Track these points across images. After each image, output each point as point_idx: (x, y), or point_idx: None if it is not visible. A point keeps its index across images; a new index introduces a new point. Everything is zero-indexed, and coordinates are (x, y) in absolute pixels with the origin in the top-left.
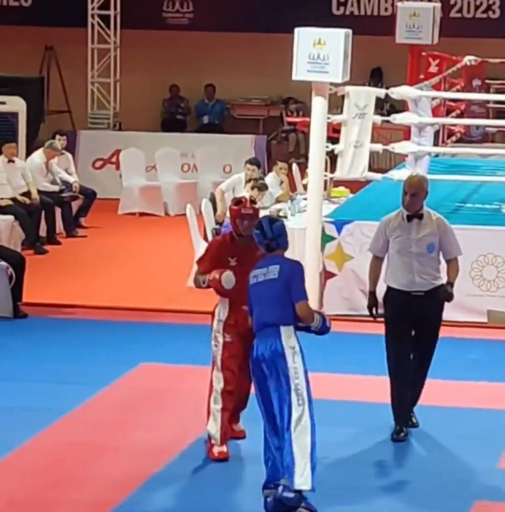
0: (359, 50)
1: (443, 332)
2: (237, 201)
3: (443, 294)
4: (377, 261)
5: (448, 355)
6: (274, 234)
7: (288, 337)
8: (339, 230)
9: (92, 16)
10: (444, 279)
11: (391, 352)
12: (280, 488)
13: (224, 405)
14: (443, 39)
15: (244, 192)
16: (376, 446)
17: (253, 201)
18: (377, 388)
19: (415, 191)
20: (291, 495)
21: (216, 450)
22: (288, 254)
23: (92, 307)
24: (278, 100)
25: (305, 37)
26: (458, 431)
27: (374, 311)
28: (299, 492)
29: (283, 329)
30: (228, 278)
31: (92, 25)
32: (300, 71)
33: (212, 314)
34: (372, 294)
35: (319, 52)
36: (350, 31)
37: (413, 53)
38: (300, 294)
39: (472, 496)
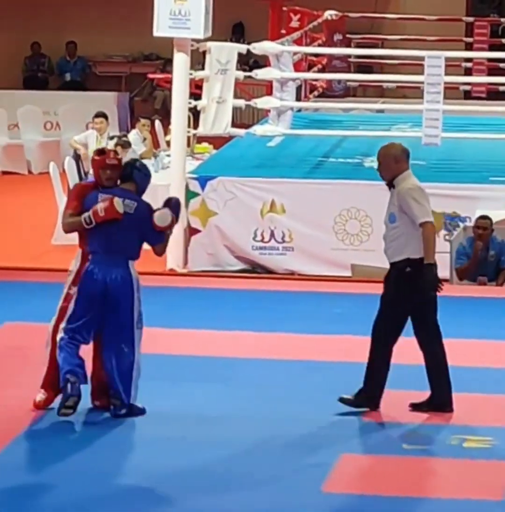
0: (220, 6)
1: (309, 286)
2: (100, 151)
3: (425, 284)
4: None
5: (313, 309)
6: (133, 163)
7: (133, 269)
8: (202, 186)
9: None
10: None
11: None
12: (112, 408)
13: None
14: None
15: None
16: (242, 402)
17: (116, 152)
18: (242, 343)
19: (378, 159)
20: (124, 411)
21: (38, 397)
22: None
23: None
24: (140, 57)
25: None
26: (322, 385)
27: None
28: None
29: (129, 262)
30: (119, 202)
31: None
32: (161, 28)
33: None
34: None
35: (180, 8)
36: None
37: (274, 8)
38: (157, 238)
39: (338, 449)
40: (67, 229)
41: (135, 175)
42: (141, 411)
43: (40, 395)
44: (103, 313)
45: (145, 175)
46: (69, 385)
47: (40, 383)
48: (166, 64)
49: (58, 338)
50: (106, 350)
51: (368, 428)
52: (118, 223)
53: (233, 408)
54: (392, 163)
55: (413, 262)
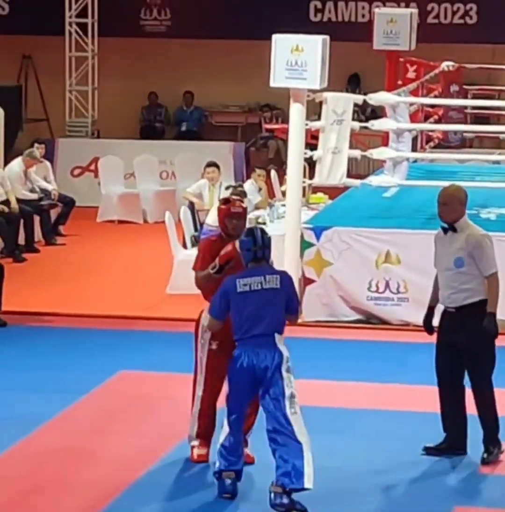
0: (336, 56)
1: (423, 337)
2: (226, 200)
3: (485, 328)
4: (437, 276)
5: (428, 360)
6: (264, 243)
7: (282, 346)
8: (317, 236)
9: (70, 24)
10: (483, 295)
11: (436, 366)
12: (272, 495)
13: (202, 408)
14: (421, 45)
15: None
16: (359, 453)
17: (240, 200)
18: (358, 394)
19: (445, 200)
20: (286, 500)
21: (195, 452)
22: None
23: (71, 315)
24: (256, 107)
25: (283, 44)
26: (438, 437)
27: (426, 326)
28: (290, 496)
29: (277, 337)
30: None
31: (70, 33)
32: (278, 78)
33: (197, 321)
34: (429, 309)
35: (296, 59)
36: (327, 37)
37: (390, 59)
38: (297, 307)
39: (452, 502)
40: (201, 284)
41: (267, 256)
42: (303, 509)
43: (198, 450)
44: (257, 393)
45: (270, 240)
46: (227, 480)
47: (156, 432)
48: (277, 115)
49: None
50: (269, 435)
51: (483, 480)
52: (265, 299)
53: (348, 459)
54: (458, 206)
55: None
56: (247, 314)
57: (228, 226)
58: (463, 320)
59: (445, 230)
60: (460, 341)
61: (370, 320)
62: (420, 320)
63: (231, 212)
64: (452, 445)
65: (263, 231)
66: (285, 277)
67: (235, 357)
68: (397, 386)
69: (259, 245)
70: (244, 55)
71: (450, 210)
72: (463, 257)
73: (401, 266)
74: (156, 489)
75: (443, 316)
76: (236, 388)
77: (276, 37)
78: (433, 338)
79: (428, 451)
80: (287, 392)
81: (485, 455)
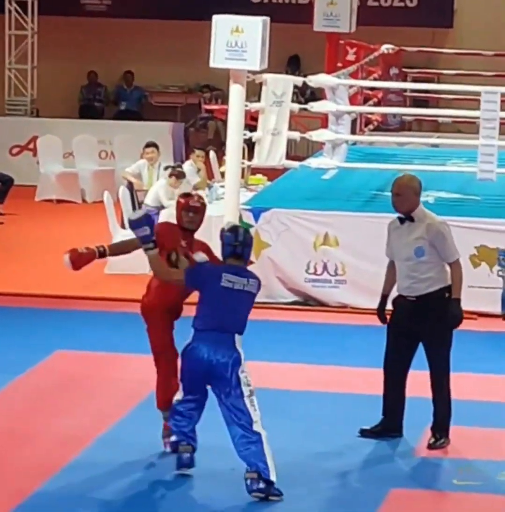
0: (276, 38)
1: (361, 319)
2: (186, 194)
3: (449, 318)
4: (390, 265)
5: (365, 343)
6: (245, 241)
7: (240, 347)
8: (256, 217)
9: (10, 2)
10: (444, 282)
11: (386, 351)
12: (249, 482)
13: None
14: (361, 28)
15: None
16: (295, 436)
17: (201, 197)
18: (294, 376)
19: (398, 191)
20: (263, 485)
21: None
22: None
23: (7, 294)
24: (196, 88)
25: (223, 25)
26: (373, 419)
27: (380, 315)
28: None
29: (237, 338)
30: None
31: (10, 11)
32: (218, 59)
33: (145, 304)
34: (382, 298)
35: (236, 40)
36: (268, 18)
37: (330, 41)
38: None
39: (387, 484)
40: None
41: (246, 254)
42: (279, 493)
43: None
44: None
45: (252, 240)
46: (185, 454)
47: (93, 411)
48: (217, 95)
49: (174, 400)
50: (231, 434)
51: (418, 462)
52: (242, 300)
53: (284, 441)
54: (412, 196)
55: (449, 289)
56: (221, 308)
57: (184, 219)
58: (425, 308)
59: (401, 220)
60: (422, 328)
61: (308, 302)
62: (357, 302)
63: (189, 205)
64: (388, 427)
65: (246, 231)
66: (260, 283)
67: (191, 348)
68: (334, 368)
69: (239, 241)
70: (184, 36)
71: (404, 200)
72: (423, 246)
73: (339, 248)
74: (93, 469)
75: (399, 303)
76: (191, 378)
77: (216, 18)
78: (372, 321)
79: (364, 433)
80: (245, 392)
81: (432, 441)
